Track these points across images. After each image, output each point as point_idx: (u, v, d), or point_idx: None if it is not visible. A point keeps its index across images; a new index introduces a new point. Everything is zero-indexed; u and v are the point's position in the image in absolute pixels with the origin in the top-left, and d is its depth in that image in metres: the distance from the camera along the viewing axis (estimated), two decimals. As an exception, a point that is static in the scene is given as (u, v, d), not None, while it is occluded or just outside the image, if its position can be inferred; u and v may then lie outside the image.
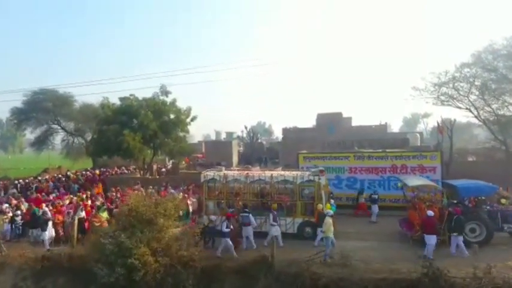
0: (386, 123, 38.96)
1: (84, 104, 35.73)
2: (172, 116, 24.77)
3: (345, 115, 43.95)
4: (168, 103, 24.92)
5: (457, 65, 22.45)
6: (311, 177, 13.68)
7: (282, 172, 15.13)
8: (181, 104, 25.61)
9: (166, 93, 24.82)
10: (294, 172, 14.82)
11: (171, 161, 32.09)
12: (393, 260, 10.81)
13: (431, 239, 11.06)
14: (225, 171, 15.24)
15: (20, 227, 14.69)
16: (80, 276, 10.63)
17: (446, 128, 20.67)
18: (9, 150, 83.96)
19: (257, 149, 41.26)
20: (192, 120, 26.26)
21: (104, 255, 9.60)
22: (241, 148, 44.28)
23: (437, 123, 20.57)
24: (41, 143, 36.79)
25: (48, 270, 11.42)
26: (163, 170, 29.49)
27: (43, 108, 35.24)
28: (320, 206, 12.98)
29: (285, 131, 42.07)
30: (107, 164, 34.43)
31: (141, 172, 25.35)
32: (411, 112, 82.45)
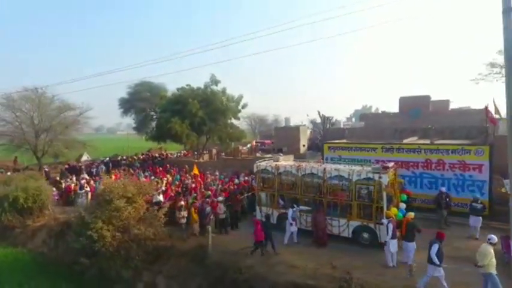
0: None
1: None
2: (221, 104, 26.21)
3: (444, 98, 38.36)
4: (219, 92, 26.49)
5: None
6: (370, 175, 11.82)
7: (337, 166, 13.49)
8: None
9: (216, 82, 26.33)
10: (352, 167, 13.07)
11: (232, 146, 33.88)
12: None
13: None
14: (277, 163, 14.63)
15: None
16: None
17: (499, 114, 15.79)
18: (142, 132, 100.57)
19: (331, 135, 39.50)
20: (242, 107, 27.31)
21: (74, 225, 11.65)
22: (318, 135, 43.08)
23: (486, 108, 15.73)
24: (141, 127, 43.76)
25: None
26: (223, 154, 31.50)
27: (142, 98, 41.95)
28: (411, 214, 10.80)
29: (363, 116, 39.02)
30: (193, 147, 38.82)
31: (196, 156, 27.86)
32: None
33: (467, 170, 14.83)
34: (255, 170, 14.82)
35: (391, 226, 10.20)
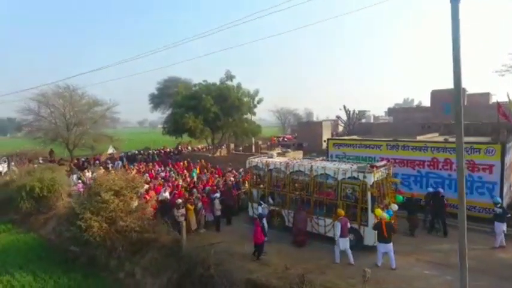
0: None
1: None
2: (236, 100, 26.29)
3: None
4: (233, 87, 26.60)
5: None
6: (355, 174, 11.38)
7: (324, 164, 12.99)
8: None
9: (231, 78, 26.48)
10: (339, 165, 12.57)
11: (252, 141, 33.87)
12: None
13: None
14: (268, 159, 14.44)
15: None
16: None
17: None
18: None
19: (358, 130, 38.18)
20: (258, 102, 27.25)
21: (67, 215, 12.43)
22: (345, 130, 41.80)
23: (497, 103, 14.11)
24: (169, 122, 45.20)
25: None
26: (241, 148, 31.66)
27: (170, 93, 43.28)
28: (385, 215, 10.47)
29: (391, 111, 37.19)
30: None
31: (212, 151, 28.30)
32: None
33: (476, 171, 13.66)
34: (247, 166, 14.80)
35: (338, 225, 10.36)
